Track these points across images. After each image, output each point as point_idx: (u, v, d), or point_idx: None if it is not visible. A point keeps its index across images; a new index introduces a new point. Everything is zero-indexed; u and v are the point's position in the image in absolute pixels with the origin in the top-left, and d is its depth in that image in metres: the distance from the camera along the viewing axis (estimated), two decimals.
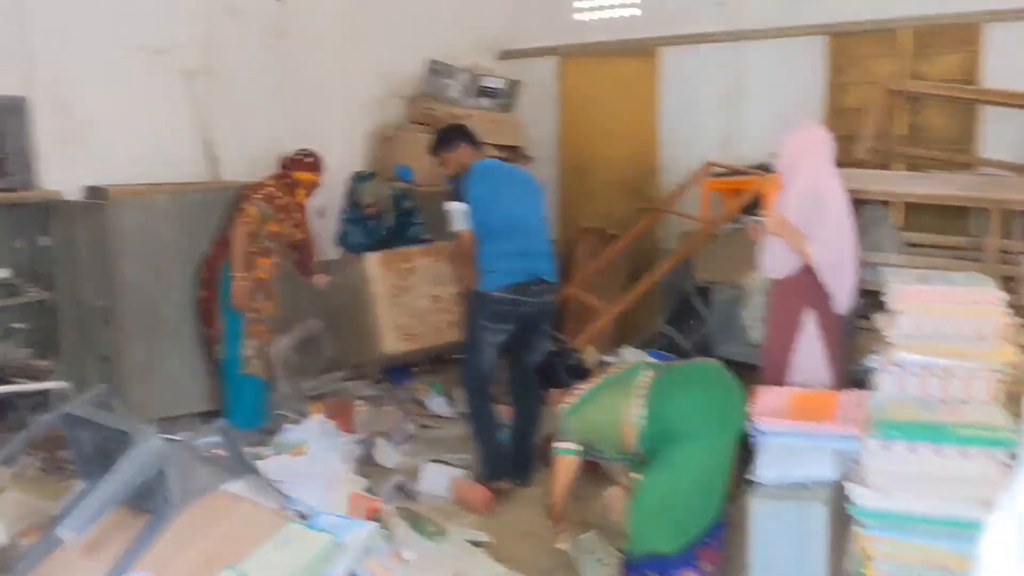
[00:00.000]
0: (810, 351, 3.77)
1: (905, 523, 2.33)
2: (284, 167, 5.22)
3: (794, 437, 3.24)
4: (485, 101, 6.67)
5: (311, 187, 5.27)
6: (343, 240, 5.79)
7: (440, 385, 6.01)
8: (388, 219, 5.73)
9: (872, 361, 2.96)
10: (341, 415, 5.12)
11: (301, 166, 5.20)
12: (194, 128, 5.85)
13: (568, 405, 3.62)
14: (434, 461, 4.75)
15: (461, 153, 4.69)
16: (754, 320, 4.79)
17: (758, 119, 6.60)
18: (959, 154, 5.68)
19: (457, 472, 4.51)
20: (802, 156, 3.74)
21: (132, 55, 5.49)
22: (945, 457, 2.32)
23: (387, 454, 4.76)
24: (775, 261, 3.87)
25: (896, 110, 5.87)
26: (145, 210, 4.99)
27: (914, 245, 5.20)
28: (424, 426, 5.36)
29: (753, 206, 5.91)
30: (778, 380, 3.71)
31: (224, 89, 5.95)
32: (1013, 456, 2.21)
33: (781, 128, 3.83)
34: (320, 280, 5.30)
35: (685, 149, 6.88)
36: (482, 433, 4.53)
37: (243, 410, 4.94)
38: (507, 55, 7.84)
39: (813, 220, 3.69)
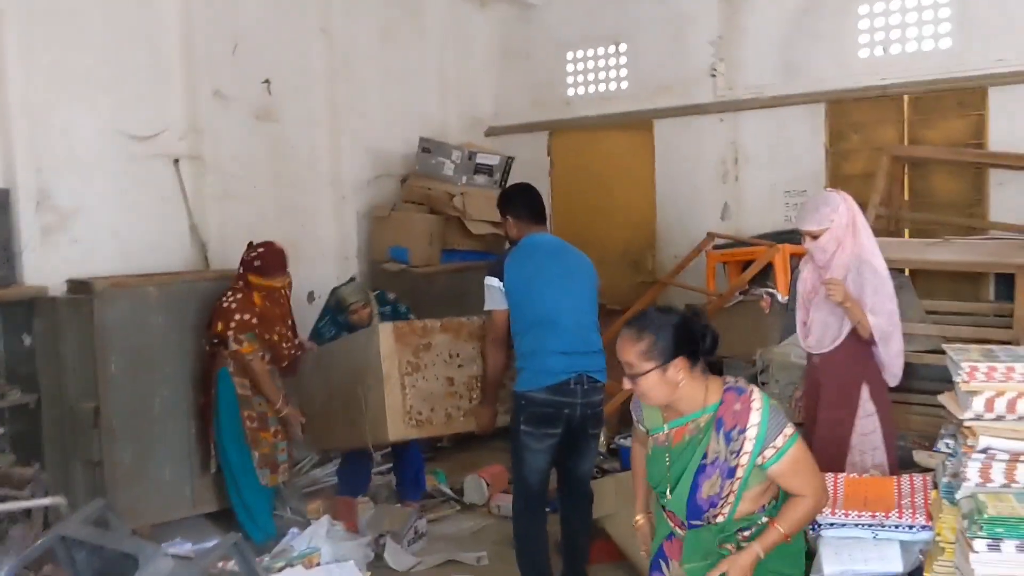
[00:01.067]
0: (867, 427, 3.59)
1: None
2: (240, 267, 4.70)
3: (857, 529, 3.01)
4: (480, 178, 6.53)
5: (269, 291, 4.63)
6: (317, 338, 5.21)
7: (443, 474, 5.73)
8: (370, 317, 5.10)
9: (945, 446, 2.75)
10: (345, 515, 4.80)
11: (252, 269, 4.62)
12: (181, 215, 5.63)
13: None
14: (451, 561, 4.45)
15: (508, 226, 4.23)
16: (781, 397, 4.58)
17: (758, 189, 6.53)
18: (968, 218, 5.60)
19: None
20: (851, 226, 3.59)
21: (117, 141, 5.30)
22: None
23: (399, 556, 4.45)
24: (825, 333, 3.68)
25: (900, 175, 5.80)
26: (133, 302, 4.72)
27: (931, 312, 5.08)
28: (433, 520, 5.06)
29: (761, 277, 5.78)
30: (834, 460, 3.49)
31: (212, 174, 5.76)
32: None
33: (821, 203, 3.67)
34: (291, 415, 4.73)
35: (684, 221, 6.77)
36: (524, 558, 4.01)
37: (256, 522, 4.65)
38: (494, 131, 7.77)
39: (865, 289, 3.53)
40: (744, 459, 2.53)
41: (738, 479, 2.55)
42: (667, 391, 2.56)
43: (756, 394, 2.57)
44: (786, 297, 5.49)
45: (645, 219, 7.03)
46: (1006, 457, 2.47)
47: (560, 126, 7.48)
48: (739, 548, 2.61)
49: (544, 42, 7.52)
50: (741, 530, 2.64)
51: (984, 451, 2.49)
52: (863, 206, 5.33)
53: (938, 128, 5.76)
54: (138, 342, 4.71)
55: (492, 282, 4.01)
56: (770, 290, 5.64)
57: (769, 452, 2.51)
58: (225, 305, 4.58)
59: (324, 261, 6.38)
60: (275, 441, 4.71)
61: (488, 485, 5.43)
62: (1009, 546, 2.14)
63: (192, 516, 4.90)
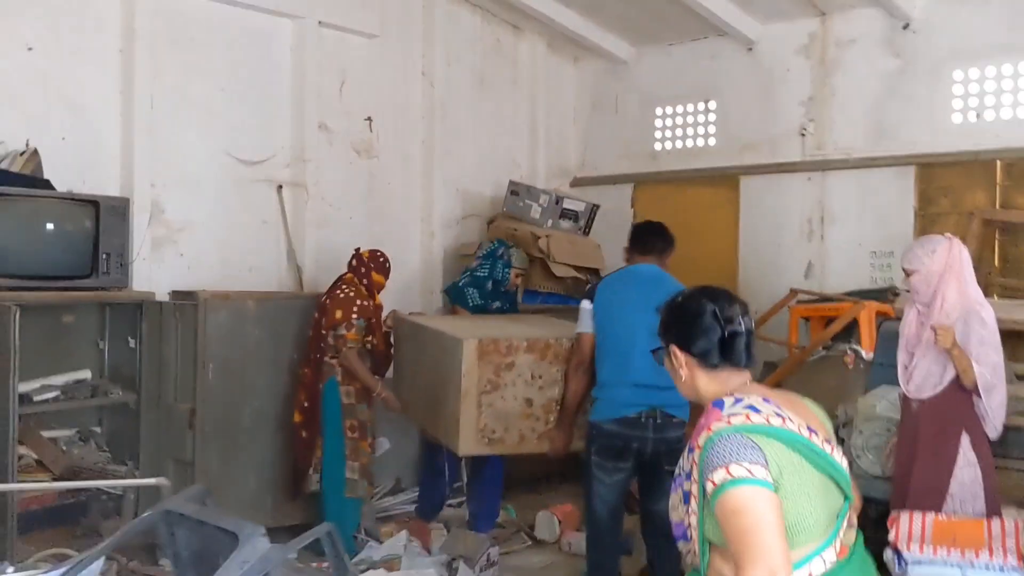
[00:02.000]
0: (967, 477, 3.54)
1: None
2: (361, 266, 5.05)
3: (946, 567, 2.99)
4: (565, 223, 6.67)
5: (380, 289, 5.09)
6: (458, 296, 5.59)
7: (513, 509, 5.76)
8: (519, 289, 5.57)
9: None
10: (420, 535, 4.87)
11: (380, 268, 5.07)
12: (280, 239, 5.88)
13: None
14: None
15: (625, 254, 4.27)
16: (865, 449, 4.53)
17: (843, 249, 6.53)
18: None
19: None
20: (948, 274, 3.60)
21: (226, 164, 5.59)
22: None
23: None
24: (926, 379, 3.66)
25: (991, 240, 5.76)
26: (232, 314, 4.94)
27: (1020, 377, 5.00)
28: (505, 552, 5.08)
29: (845, 335, 5.76)
30: (932, 508, 3.45)
31: (312, 202, 6.00)
32: None
33: (918, 244, 3.70)
34: (388, 399, 4.91)
35: (767, 277, 6.79)
36: None
37: (344, 536, 4.72)
38: (579, 181, 7.93)
39: (971, 339, 3.52)
40: (693, 486, 2.00)
41: (692, 512, 2.01)
42: (679, 380, 2.18)
43: (736, 415, 1.96)
44: (870, 354, 5.47)
45: (727, 274, 7.05)
46: None
47: (645, 179, 7.60)
48: None
49: (633, 97, 7.69)
50: None
51: None
52: None
53: None
54: (234, 353, 4.91)
55: (584, 304, 4.04)
56: (854, 347, 5.63)
57: (708, 487, 1.92)
58: (343, 295, 4.85)
59: (410, 293, 6.54)
60: (371, 452, 4.83)
61: (559, 522, 5.43)
62: None
63: (271, 527, 5.01)
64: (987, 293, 5.71)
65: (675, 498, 2.09)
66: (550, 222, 6.61)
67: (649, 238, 4.22)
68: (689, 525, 2.01)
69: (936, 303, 3.59)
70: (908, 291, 3.79)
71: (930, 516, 3.32)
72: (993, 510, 3.53)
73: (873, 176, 6.37)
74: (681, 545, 2.11)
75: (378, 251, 5.13)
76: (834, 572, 1.93)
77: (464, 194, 7.08)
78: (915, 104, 6.16)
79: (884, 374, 4.73)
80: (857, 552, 2.03)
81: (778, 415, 1.95)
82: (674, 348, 2.13)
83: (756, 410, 1.95)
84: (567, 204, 6.70)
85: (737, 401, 1.98)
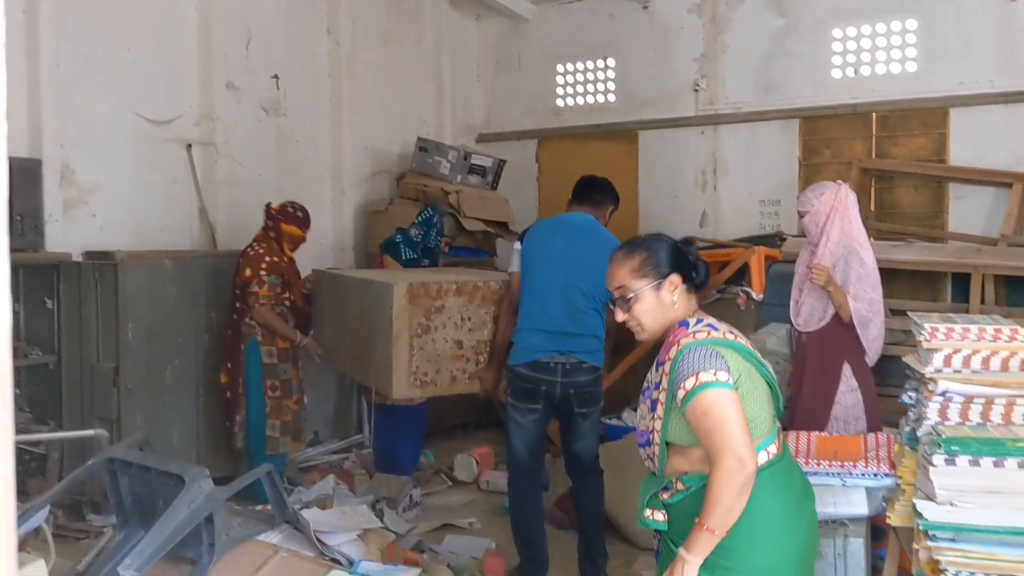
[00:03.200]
0: (849, 401, 3.93)
1: (970, 533, 2.45)
2: (270, 220, 5.07)
3: (828, 476, 3.37)
4: (473, 178, 6.87)
5: (297, 242, 5.08)
6: (391, 249, 5.60)
7: (432, 455, 6.02)
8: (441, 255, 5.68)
9: (908, 398, 3.12)
10: (345, 480, 5.08)
11: (290, 219, 5.05)
12: (192, 198, 5.90)
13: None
14: (446, 525, 4.74)
15: (567, 208, 4.30)
16: None
17: (734, 198, 6.94)
18: (929, 228, 6.04)
19: (486, 543, 4.48)
20: (833, 215, 3.95)
21: (135, 124, 5.56)
22: (1006, 469, 2.47)
23: (395, 520, 4.72)
24: (812, 314, 4.02)
25: (867, 187, 6.24)
26: (149, 273, 5.00)
27: (893, 311, 5.48)
28: (426, 493, 5.34)
29: (737, 277, 6.17)
30: (818, 430, 3.82)
31: (222, 161, 6.03)
32: None
33: (811, 188, 4.05)
34: (310, 345, 4.99)
35: (665, 226, 7.13)
36: (515, 527, 4.06)
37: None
38: (485, 137, 8.13)
39: (850, 276, 3.88)
40: (661, 395, 2.26)
41: (658, 418, 2.25)
42: (661, 314, 2.31)
43: (700, 332, 2.24)
44: (760, 295, 5.90)
45: (628, 225, 7.37)
46: (961, 399, 2.84)
47: (549, 134, 7.86)
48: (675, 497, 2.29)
49: (535, 54, 7.91)
50: (666, 488, 2.31)
51: (943, 394, 2.86)
52: None
53: (903, 144, 6.23)
54: (153, 312, 4.98)
55: (516, 245, 4.12)
56: (745, 289, 6.05)
57: (680, 393, 2.18)
58: (252, 252, 4.92)
59: (321, 250, 6.66)
60: (298, 409, 4.98)
61: (477, 463, 5.72)
62: (963, 460, 2.49)
63: None
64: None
65: (642, 408, 2.33)
66: (459, 178, 6.80)
67: (586, 189, 4.26)
68: (653, 430, 2.27)
69: (822, 242, 3.95)
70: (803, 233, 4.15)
71: (815, 434, 3.69)
72: (873, 430, 3.93)
73: (761, 129, 6.78)
74: (642, 452, 2.35)
75: (289, 203, 5.14)
76: (774, 463, 2.30)
77: (373, 151, 7.20)
78: (799, 61, 6.57)
79: (773, 313, 5.14)
80: (787, 449, 2.43)
81: (731, 332, 2.30)
82: (674, 278, 2.30)
83: (715, 328, 2.27)
84: (475, 160, 6.90)
85: (699, 321, 2.29)
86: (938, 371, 2.97)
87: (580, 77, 7.76)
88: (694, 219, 7.06)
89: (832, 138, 6.50)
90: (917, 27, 6.11)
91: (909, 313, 3.37)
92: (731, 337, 2.27)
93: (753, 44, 6.77)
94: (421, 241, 5.60)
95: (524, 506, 4.05)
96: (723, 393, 2.16)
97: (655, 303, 2.32)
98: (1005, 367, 2.95)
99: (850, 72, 6.41)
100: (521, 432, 4.01)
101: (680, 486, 2.27)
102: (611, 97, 7.60)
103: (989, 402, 2.83)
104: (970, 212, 5.91)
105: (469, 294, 4.35)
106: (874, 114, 6.30)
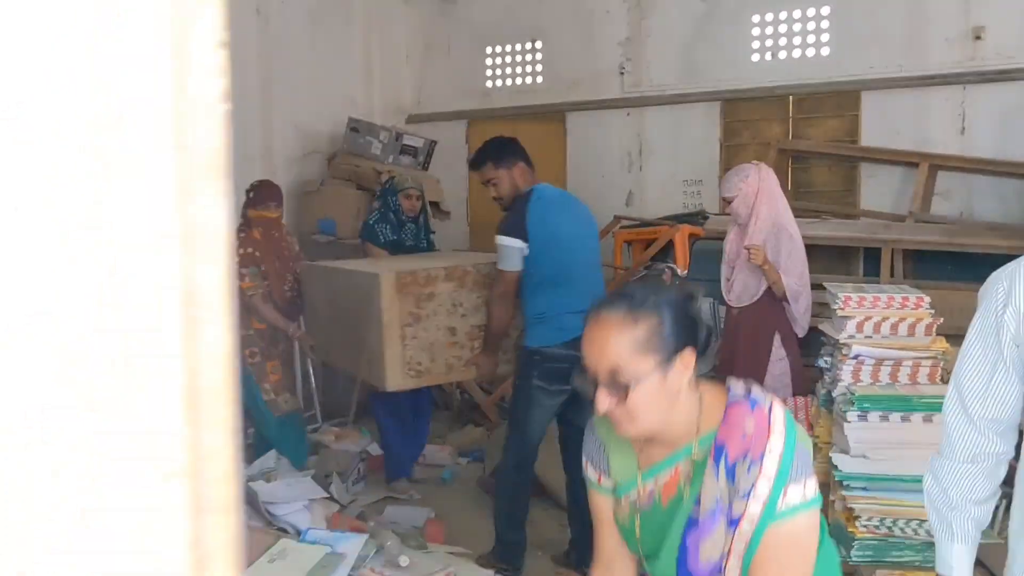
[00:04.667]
0: (778, 370, 4.16)
1: (881, 482, 2.69)
2: (243, 208, 4.83)
3: None
4: (405, 159, 6.96)
5: (268, 224, 4.77)
6: (369, 234, 5.18)
7: (367, 430, 6.11)
8: (420, 210, 5.17)
9: (824, 363, 3.37)
10: None
11: (253, 202, 4.78)
12: None
13: None
14: (387, 497, 4.86)
15: (518, 173, 3.96)
16: None
17: (659, 178, 7.17)
18: (843, 206, 6.36)
19: (426, 512, 4.61)
20: (761, 195, 4.15)
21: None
22: (912, 424, 2.71)
23: (340, 491, 4.83)
24: (744, 290, 4.24)
25: (785, 167, 6.53)
26: None
27: (814, 286, 5.78)
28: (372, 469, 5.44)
29: (663, 254, 6.41)
30: None
31: None
32: None
33: (732, 173, 4.25)
34: (303, 337, 4.84)
35: (593, 206, 7.26)
36: (509, 515, 3.97)
37: (293, 452, 4.68)
38: (415, 118, 8.20)
39: (780, 252, 4.10)
40: (755, 505, 1.57)
41: (744, 534, 1.59)
42: (665, 407, 1.65)
43: (778, 411, 1.64)
44: (685, 271, 6.14)
45: None
46: (872, 362, 3.09)
47: (478, 115, 7.98)
48: None
49: (464, 36, 8.01)
50: None
51: (855, 358, 3.10)
52: None
53: (818, 126, 6.53)
54: None
55: (510, 242, 3.84)
56: (671, 265, 6.28)
57: (781, 503, 1.56)
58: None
59: None
60: (284, 369, 4.92)
61: None
62: (874, 416, 2.74)
63: None
64: None
65: (717, 535, 1.63)
66: (391, 158, 6.87)
67: (526, 155, 4.07)
68: (729, 554, 1.62)
69: (752, 222, 4.16)
70: (728, 214, 4.35)
71: None
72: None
73: (685, 111, 7.00)
74: None
75: (249, 186, 4.88)
76: None
77: (303, 131, 7.22)
78: (720, 45, 6.81)
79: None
80: None
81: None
82: (687, 354, 1.64)
83: (763, 395, 1.69)
84: (407, 140, 6.98)
85: (745, 393, 1.68)
86: (851, 337, 3.21)
87: (508, 59, 7.88)
88: (621, 198, 7.27)
89: (752, 120, 6.77)
90: (830, 13, 6.40)
91: (825, 284, 3.62)
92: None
93: (676, 29, 6.98)
94: (388, 210, 5.17)
95: (524, 494, 3.99)
96: (815, 515, 1.60)
97: (660, 390, 1.62)
98: (912, 332, 3.20)
99: (768, 56, 6.68)
100: (543, 416, 3.89)
101: None
102: (539, 79, 7.75)
103: (897, 364, 3.08)
104: (881, 190, 6.24)
105: (459, 279, 4.17)
106: (791, 97, 6.59)
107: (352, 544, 3.32)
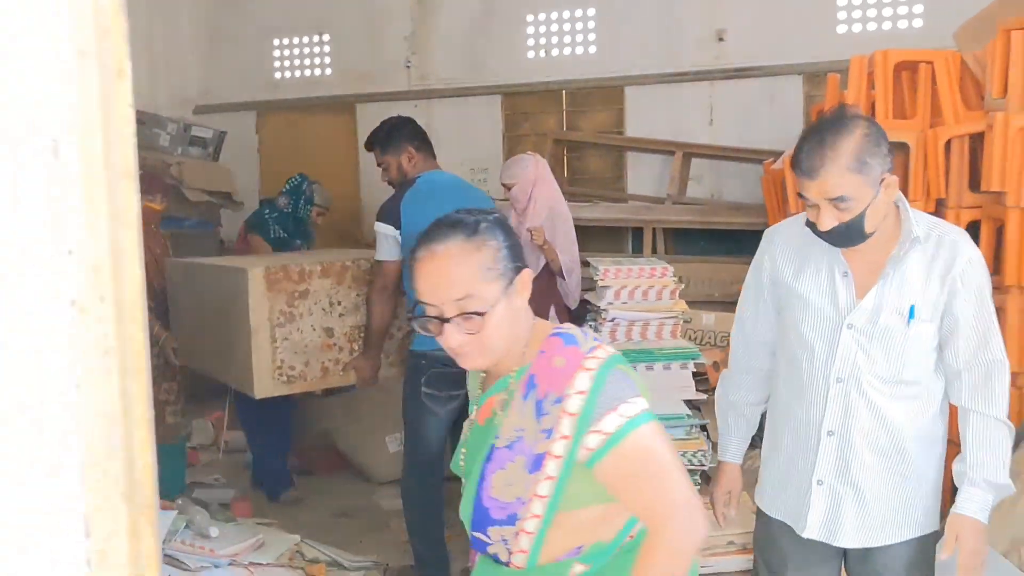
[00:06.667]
0: None
1: None
2: None
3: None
4: (195, 150, 6.96)
5: (149, 216, 4.41)
6: (259, 226, 5.02)
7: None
8: (314, 227, 5.17)
9: (589, 325, 3.86)
10: None
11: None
12: None
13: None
14: (194, 483, 4.99)
15: (406, 158, 3.83)
16: None
17: (448, 168, 7.45)
18: (612, 191, 7.00)
19: (231, 492, 4.76)
20: (538, 182, 4.57)
21: None
22: (654, 371, 3.23)
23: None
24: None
25: (561, 156, 7.10)
26: None
27: (583, 263, 6.38)
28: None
29: None
30: None
31: None
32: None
33: (512, 163, 4.66)
34: (166, 343, 4.38)
35: (384, 193, 7.58)
36: (423, 534, 3.71)
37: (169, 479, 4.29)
38: (203, 109, 8.16)
39: (557, 232, 4.53)
40: (558, 446, 1.54)
41: (547, 479, 1.56)
42: (512, 329, 1.63)
43: (600, 350, 1.60)
44: None
45: (350, 194, 7.81)
46: (626, 324, 3.60)
47: (268, 107, 8.06)
48: None
49: (250, 27, 8.04)
50: None
51: (613, 320, 3.61)
52: None
53: (589, 118, 7.14)
54: None
55: (385, 230, 3.63)
56: None
57: (593, 439, 1.52)
58: None
59: None
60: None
61: (214, 426, 5.95)
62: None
63: None
64: None
65: (512, 472, 1.59)
66: (180, 149, 6.87)
67: (425, 137, 3.94)
68: (530, 500, 1.57)
69: (530, 207, 4.59)
70: (507, 200, 4.76)
71: None
72: None
73: (469, 104, 7.43)
74: (493, 532, 1.63)
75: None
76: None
77: None
78: (499, 42, 7.28)
79: None
80: None
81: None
82: (526, 272, 1.66)
83: (597, 338, 1.68)
84: (196, 131, 6.99)
85: (569, 329, 1.67)
86: (610, 304, 3.72)
87: (296, 51, 8.02)
88: None
89: (530, 112, 7.29)
90: (595, 15, 7.01)
91: (589, 259, 4.12)
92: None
93: (458, 25, 7.38)
94: (292, 212, 5.11)
95: (432, 505, 3.72)
96: (654, 426, 1.57)
97: (506, 315, 1.60)
98: (659, 297, 3.75)
99: (543, 54, 7.21)
100: (437, 424, 3.63)
101: (578, 569, 1.60)
102: (328, 71, 7.94)
103: (646, 324, 3.61)
104: (644, 176, 6.92)
105: (337, 275, 3.85)
106: (564, 91, 7.16)
107: (161, 521, 3.49)
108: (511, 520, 1.60)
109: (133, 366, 0.75)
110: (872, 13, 6.26)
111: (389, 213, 3.66)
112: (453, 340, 1.58)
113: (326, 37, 7.88)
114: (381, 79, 7.64)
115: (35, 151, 0.66)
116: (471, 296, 1.56)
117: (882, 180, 2.02)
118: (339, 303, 3.86)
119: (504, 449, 1.61)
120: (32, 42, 0.66)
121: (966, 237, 2.19)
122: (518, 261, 1.65)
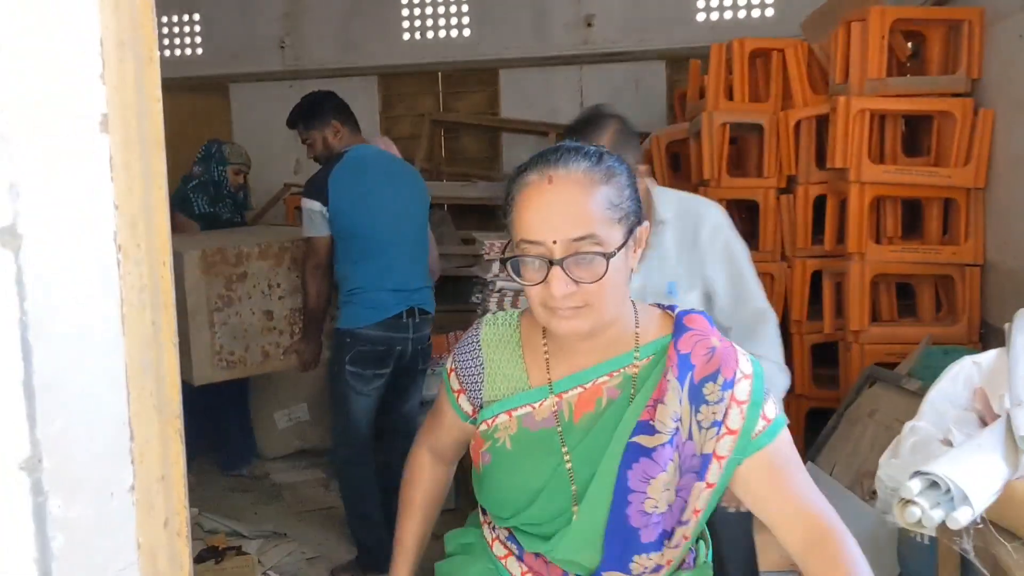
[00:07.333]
0: None
1: None
2: None
3: None
4: None
5: None
6: (182, 203, 4.77)
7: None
8: (243, 188, 4.96)
9: (476, 298, 4.08)
10: None
11: None
12: None
13: None
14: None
15: (331, 132, 3.78)
16: None
17: None
18: (488, 170, 7.23)
19: None
20: None
21: None
22: None
23: None
24: None
25: (438, 137, 7.28)
26: None
27: (466, 241, 6.59)
28: None
29: None
30: None
31: None
32: None
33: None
34: None
35: (263, 175, 7.61)
36: (362, 516, 3.67)
37: None
38: None
39: None
40: (724, 444, 1.31)
41: (708, 487, 1.32)
42: (624, 290, 1.36)
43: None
44: None
45: None
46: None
47: None
48: None
49: None
50: None
51: (499, 291, 3.84)
52: (411, 161, 6.74)
53: (465, 100, 7.33)
54: None
55: (312, 205, 3.55)
56: None
57: (761, 424, 1.33)
58: None
59: None
60: None
61: None
62: None
63: None
64: (438, 178, 7.27)
65: (664, 477, 1.30)
66: None
67: (350, 111, 3.87)
68: (692, 516, 1.33)
69: None
70: None
71: None
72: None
73: (345, 84, 7.44)
74: (647, 560, 1.33)
75: None
76: None
77: None
78: (374, 24, 7.36)
79: None
80: None
81: None
82: (645, 227, 1.38)
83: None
84: None
85: (679, 305, 1.47)
86: (496, 276, 3.95)
87: (166, 30, 7.86)
88: (289, 167, 7.60)
89: (406, 93, 7.42)
90: None
91: (475, 235, 4.33)
92: None
93: (332, 6, 7.41)
94: (209, 179, 4.93)
95: (366, 487, 3.65)
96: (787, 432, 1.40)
97: (624, 272, 1.33)
98: None
99: (418, 36, 7.34)
100: (364, 404, 3.61)
101: None
102: (199, 50, 7.83)
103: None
104: (519, 156, 7.00)
105: (276, 257, 3.78)
106: (440, 73, 7.32)
107: None
108: (660, 543, 1.29)
109: (162, 301, 0.91)
110: (728, 2, 6.69)
111: (316, 188, 3.57)
112: (559, 288, 1.26)
113: (196, 16, 7.76)
114: (255, 59, 7.60)
115: (89, 125, 0.81)
116: (593, 236, 1.26)
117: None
118: (278, 285, 3.81)
119: (665, 447, 1.29)
120: (86, 35, 0.81)
121: (709, 205, 2.38)
122: (640, 212, 1.35)
